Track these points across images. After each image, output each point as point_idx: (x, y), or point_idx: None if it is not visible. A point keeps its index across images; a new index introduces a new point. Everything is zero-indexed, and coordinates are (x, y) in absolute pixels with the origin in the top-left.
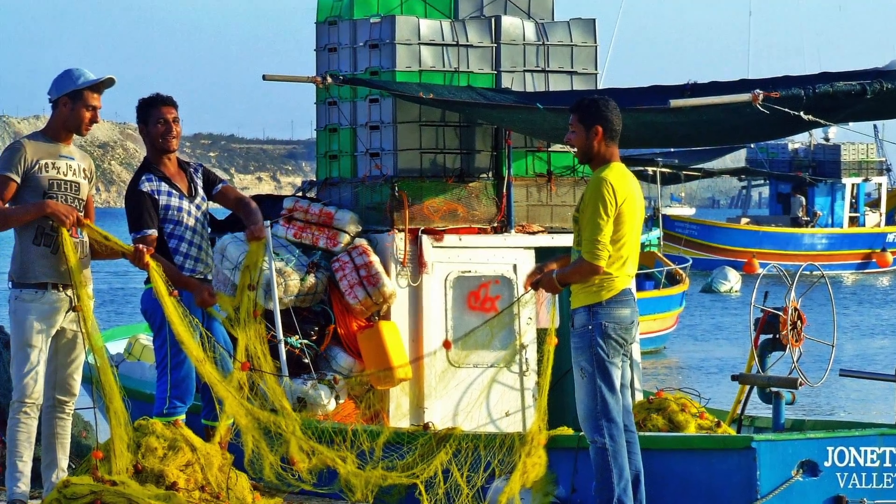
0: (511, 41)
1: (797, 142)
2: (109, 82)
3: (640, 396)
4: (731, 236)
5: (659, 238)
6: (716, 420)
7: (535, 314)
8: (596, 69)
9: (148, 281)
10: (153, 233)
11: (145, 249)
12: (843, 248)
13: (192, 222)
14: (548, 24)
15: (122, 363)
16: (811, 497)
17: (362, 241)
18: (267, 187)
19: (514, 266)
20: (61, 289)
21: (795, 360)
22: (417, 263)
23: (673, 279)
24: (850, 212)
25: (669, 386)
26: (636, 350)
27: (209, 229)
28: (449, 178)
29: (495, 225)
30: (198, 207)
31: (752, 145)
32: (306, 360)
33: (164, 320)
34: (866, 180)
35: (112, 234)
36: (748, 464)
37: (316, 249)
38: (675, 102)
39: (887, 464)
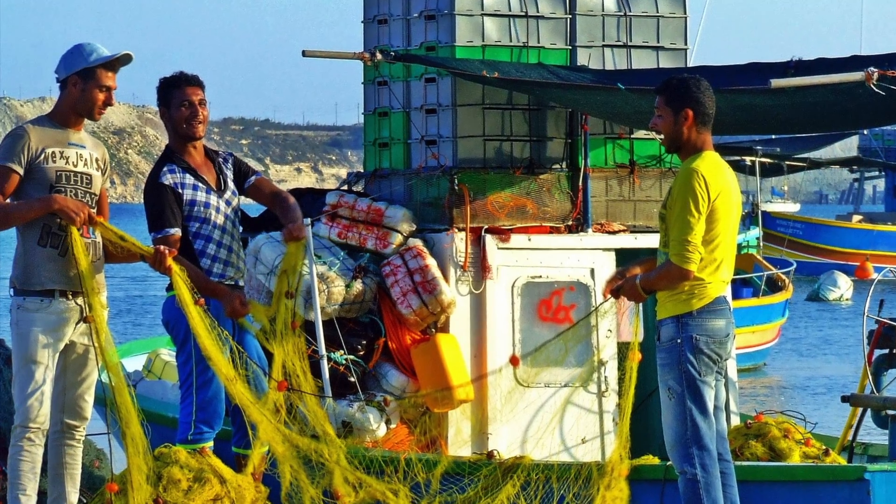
0: (588, 12)
1: None
2: (126, 59)
3: (736, 420)
4: (840, 236)
5: (758, 238)
6: (823, 447)
7: (616, 326)
8: (686, 44)
9: (170, 288)
10: (176, 232)
11: (167, 251)
12: None
13: (220, 220)
14: None
15: (140, 382)
16: None
17: (417, 242)
18: (307, 180)
19: (592, 271)
20: (70, 296)
21: None
22: (480, 267)
23: (774, 286)
24: None
25: (770, 408)
26: (732, 367)
27: (241, 228)
28: (516, 170)
29: (570, 223)
30: (227, 203)
31: (866, 132)
32: (352, 379)
33: (189, 333)
34: None
35: (129, 233)
36: (861, 497)
37: (364, 251)
38: (776, 82)
39: None
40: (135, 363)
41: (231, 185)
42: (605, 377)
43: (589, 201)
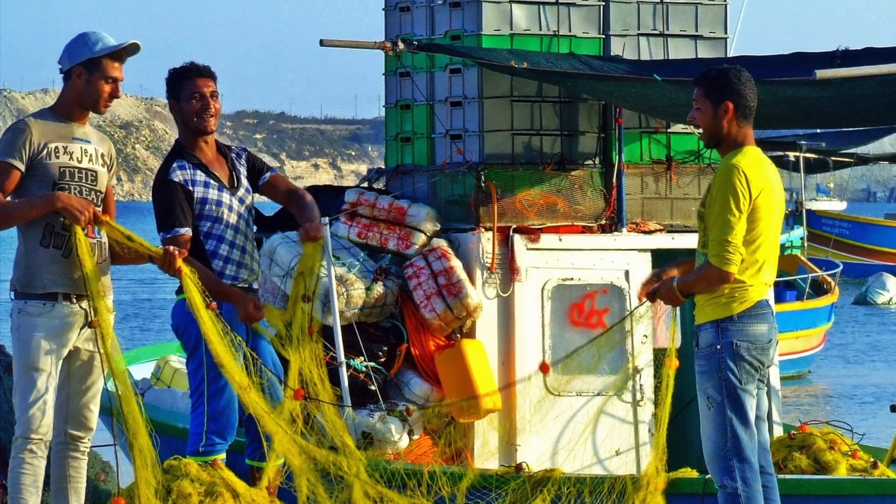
0: None
1: None
2: (133, 49)
3: (779, 431)
4: (890, 236)
5: (802, 238)
6: (871, 460)
7: (652, 331)
8: (725, 32)
9: (180, 291)
10: (187, 232)
11: (177, 252)
12: None
13: (233, 219)
14: None
15: (148, 390)
16: None
17: (441, 243)
18: (325, 176)
19: (626, 272)
20: (75, 300)
21: None
22: (508, 269)
23: (819, 288)
24: None
25: (815, 419)
26: (774, 375)
27: (255, 228)
28: (546, 166)
29: (603, 222)
30: (241, 201)
31: None
32: (373, 387)
33: (200, 338)
34: None
35: (136, 233)
36: None
37: (385, 252)
38: (821, 73)
39: None
40: (143, 370)
41: (245, 182)
42: (641, 385)
43: (623, 199)
